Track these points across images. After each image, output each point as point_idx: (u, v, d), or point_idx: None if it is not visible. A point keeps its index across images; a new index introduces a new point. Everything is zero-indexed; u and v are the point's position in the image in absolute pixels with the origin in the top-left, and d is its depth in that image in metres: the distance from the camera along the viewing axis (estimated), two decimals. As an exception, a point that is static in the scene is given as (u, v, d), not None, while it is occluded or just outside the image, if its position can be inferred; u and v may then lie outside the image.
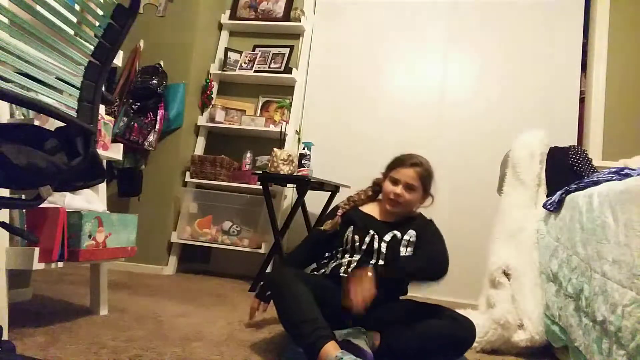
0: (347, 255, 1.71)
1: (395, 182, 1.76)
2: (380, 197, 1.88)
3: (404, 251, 1.69)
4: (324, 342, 1.32)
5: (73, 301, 2.08)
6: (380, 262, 1.67)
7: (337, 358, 1.26)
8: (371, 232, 1.71)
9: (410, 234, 1.72)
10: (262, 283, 1.88)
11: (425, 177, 1.78)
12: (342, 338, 1.41)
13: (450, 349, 1.54)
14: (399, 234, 1.72)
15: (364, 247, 1.69)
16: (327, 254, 1.80)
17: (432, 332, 1.50)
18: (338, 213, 1.81)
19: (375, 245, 1.69)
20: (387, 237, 1.71)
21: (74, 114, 1.03)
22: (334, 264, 1.71)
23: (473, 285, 2.27)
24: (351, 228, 1.74)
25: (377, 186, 1.89)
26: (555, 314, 1.69)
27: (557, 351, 1.78)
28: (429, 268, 1.63)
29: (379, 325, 1.54)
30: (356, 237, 1.71)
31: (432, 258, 1.66)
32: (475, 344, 1.82)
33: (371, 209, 1.83)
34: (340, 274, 1.65)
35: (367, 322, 1.54)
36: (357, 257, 1.69)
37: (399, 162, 1.80)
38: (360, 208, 1.84)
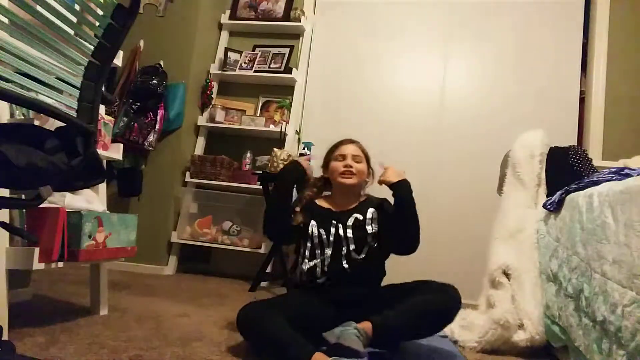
0: (317, 254, 1.73)
1: (341, 158, 1.84)
2: (328, 192, 1.93)
3: (369, 229, 1.75)
4: (310, 356, 1.32)
5: (73, 301, 2.08)
6: (351, 246, 1.72)
7: None
8: (333, 222, 1.76)
9: (370, 212, 1.79)
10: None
11: (365, 151, 1.91)
12: (334, 338, 1.40)
13: (441, 318, 1.58)
14: (360, 216, 1.78)
15: (331, 238, 1.73)
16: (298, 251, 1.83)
17: (419, 308, 1.52)
18: (296, 209, 1.83)
19: (341, 232, 1.74)
20: (350, 222, 1.76)
21: (74, 114, 1.03)
22: (307, 267, 1.73)
23: (473, 285, 2.26)
24: (313, 222, 1.77)
25: (320, 181, 1.94)
26: (555, 314, 1.69)
27: (557, 351, 1.78)
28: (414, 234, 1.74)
29: (369, 316, 1.54)
30: (322, 231, 1.75)
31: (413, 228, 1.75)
32: (475, 344, 1.83)
33: (325, 204, 1.86)
34: (318, 281, 1.70)
35: (357, 317, 1.53)
36: (328, 251, 1.72)
37: (336, 145, 1.90)
38: (317, 202, 1.87)
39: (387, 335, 1.48)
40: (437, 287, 1.60)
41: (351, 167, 1.81)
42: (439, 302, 1.56)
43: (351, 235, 1.73)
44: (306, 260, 1.74)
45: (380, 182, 1.82)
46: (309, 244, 1.75)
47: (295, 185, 1.87)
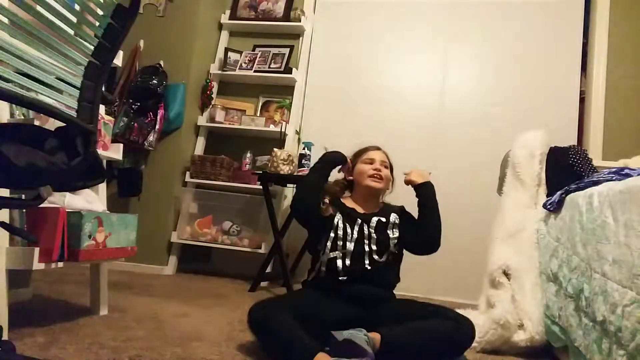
0: (339, 246, 1.73)
1: (369, 162, 1.86)
2: (348, 193, 1.93)
3: (390, 233, 1.78)
4: (312, 356, 1.32)
5: (73, 301, 2.08)
6: (373, 247, 1.73)
7: None
8: (359, 220, 1.78)
9: (393, 217, 1.82)
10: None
11: (390, 159, 1.94)
12: (342, 338, 1.41)
13: (450, 350, 1.57)
14: (383, 219, 1.81)
15: (355, 235, 1.74)
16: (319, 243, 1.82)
17: (432, 333, 1.51)
18: (326, 200, 1.83)
19: (365, 230, 1.76)
20: (373, 223, 1.79)
21: (74, 114, 1.02)
22: (328, 257, 1.73)
23: (473, 285, 2.27)
24: (339, 215, 1.78)
25: (342, 183, 1.94)
26: (555, 314, 1.69)
27: (557, 351, 1.78)
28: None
29: (380, 326, 1.54)
30: (347, 224, 1.76)
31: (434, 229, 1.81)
32: (475, 344, 1.82)
33: (350, 204, 1.87)
34: (340, 278, 1.69)
35: (368, 323, 1.54)
36: (350, 246, 1.72)
37: (363, 149, 1.93)
38: (342, 200, 1.88)
39: (392, 351, 1.48)
40: (453, 317, 1.59)
41: (380, 171, 1.83)
42: (452, 333, 1.54)
43: (375, 235, 1.75)
44: (327, 251, 1.74)
45: (406, 182, 1.88)
46: (332, 235, 1.75)
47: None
